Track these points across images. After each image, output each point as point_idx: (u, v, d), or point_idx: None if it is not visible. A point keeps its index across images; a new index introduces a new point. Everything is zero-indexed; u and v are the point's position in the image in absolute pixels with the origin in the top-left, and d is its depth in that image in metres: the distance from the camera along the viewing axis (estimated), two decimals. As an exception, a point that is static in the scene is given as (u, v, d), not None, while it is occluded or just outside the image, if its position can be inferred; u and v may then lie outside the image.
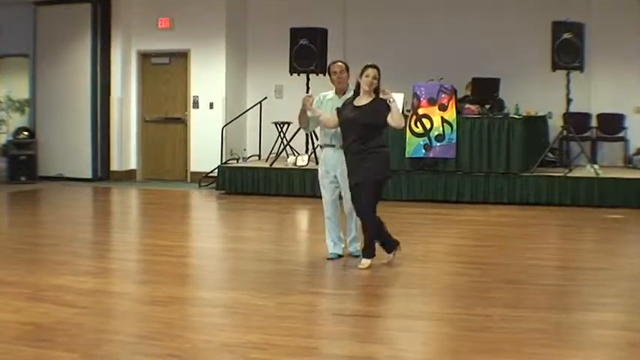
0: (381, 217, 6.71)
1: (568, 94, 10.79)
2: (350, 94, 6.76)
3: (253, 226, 9.95)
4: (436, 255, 7.60)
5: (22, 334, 4.76)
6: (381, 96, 6.51)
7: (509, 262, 7.08)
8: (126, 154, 14.04)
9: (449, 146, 10.86)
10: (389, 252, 6.82)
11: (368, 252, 6.67)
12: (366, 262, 6.64)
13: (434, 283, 6.43)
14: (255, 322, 5.13)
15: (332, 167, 6.92)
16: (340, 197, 7.02)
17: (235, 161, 12.81)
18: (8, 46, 13.99)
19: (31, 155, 13.63)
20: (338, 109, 6.76)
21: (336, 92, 7.01)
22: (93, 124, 13.70)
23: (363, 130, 6.53)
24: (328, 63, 7.43)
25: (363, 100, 6.62)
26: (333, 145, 6.90)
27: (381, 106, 6.55)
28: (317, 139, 7.95)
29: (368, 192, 6.57)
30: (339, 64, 7.02)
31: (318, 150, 7.15)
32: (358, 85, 6.65)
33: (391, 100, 6.49)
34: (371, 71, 6.56)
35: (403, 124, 6.81)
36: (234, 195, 11.87)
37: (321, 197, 7.08)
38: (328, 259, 6.98)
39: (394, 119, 6.54)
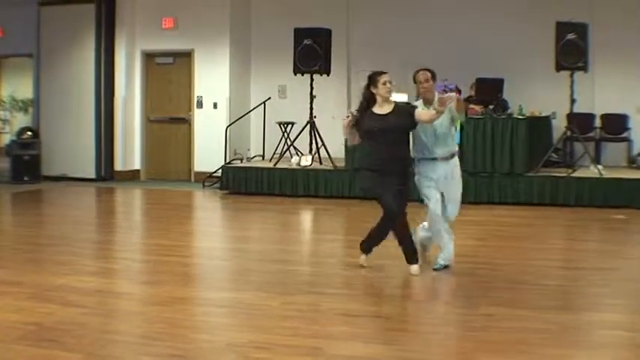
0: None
1: (572, 94, 10.79)
2: (435, 104, 6.30)
3: (257, 226, 9.94)
4: (440, 255, 7.58)
5: (26, 334, 4.77)
6: (439, 96, 6.26)
7: (513, 262, 7.07)
8: (130, 154, 14.06)
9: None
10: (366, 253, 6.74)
11: (416, 258, 6.56)
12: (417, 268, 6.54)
13: (437, 282, 6.43)
14: (259, 322, 5.13)
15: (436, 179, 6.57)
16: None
17: (239, 161, 12.81)
18: (12, 46, 14.05)
19: (35, 155, 13.62)
20: (354, 125, 6.41)
21: (424, 103, 6.51)
22: (97, 124, 13.69)
23: (396, 135, 6.33)
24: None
25: (385, 108, 6.39)
26: (434, 158, 6.51)
27: (407, 108, 6.44)
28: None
29: (404, 198, 6.45)
30: (423, 71, 6.50)
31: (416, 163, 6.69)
32: (370, 97, 6.38)
33: (452, 97, 6.25)
34: (388, 77, 6.38)
35: (428, 121, 6.35)
36: (237, 195, 11.88)
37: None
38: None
39: (424, 115, 6.30)
